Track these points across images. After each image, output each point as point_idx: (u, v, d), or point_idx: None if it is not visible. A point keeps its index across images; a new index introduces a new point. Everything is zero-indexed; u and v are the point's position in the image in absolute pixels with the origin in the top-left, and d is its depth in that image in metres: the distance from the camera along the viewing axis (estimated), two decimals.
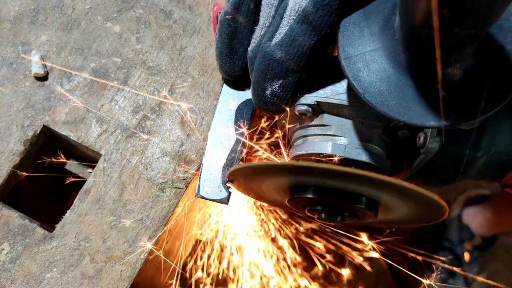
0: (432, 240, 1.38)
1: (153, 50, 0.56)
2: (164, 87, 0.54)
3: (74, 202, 0.50)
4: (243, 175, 0.45)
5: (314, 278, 1.38)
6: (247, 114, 0.50)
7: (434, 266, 1.33)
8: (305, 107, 0.42)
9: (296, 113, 0.43)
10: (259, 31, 0.42)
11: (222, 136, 0.50)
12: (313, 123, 0.44)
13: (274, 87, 0.41)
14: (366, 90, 0.34)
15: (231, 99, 0.51)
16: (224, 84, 0.51)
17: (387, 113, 0.33)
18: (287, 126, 0.48)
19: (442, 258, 1.33)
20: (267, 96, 0.42)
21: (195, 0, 0.58)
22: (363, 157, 0.42)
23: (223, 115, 0.50)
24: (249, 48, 0.43)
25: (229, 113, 0.50)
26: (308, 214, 0.45)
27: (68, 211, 0.50)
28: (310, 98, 0.42)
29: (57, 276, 0.48)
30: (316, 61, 0.39)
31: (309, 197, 0.42)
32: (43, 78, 0.53)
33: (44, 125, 0.52)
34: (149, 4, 0.57)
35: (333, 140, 0.43)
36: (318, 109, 0.43)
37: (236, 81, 0.49)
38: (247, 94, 0.50)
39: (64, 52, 0.55)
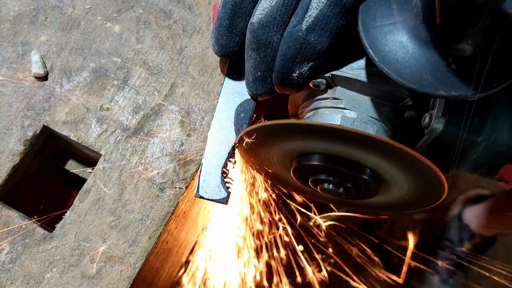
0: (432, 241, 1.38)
1: (153, 50, 0.56)
2: (164, 87, 0.54)
3: (74, 202, 0.50)
4: (254, 137, 0.45)
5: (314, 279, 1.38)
6: (247, 114, 0.50)
7: (434, 266, 1.33)
8: (320, 79, 0.44)
9: (311, 85, 0.45)
10: (267, 1, 0.41)
11: (222, 136, 0.50)
12: (325, 95, 0.46)
13: (303, 69, 0.42)
14: (381, 58, 0.36)
15: (231, 99, 0.51)
16: (224, 84, 0.51)
17: (400, 81, 0.35)
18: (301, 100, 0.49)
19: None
20: (293, 78, 0.43)
21: (195, 0, 0.58)
22: (370, 131, 0.44)
23: (223, 115, 0.50)
24: (254, 20, 0.42)
25: (229, 113, 0.50)
26: (312, 186, 0.46)
27: (68, 211, 0.50)
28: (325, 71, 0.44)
29: (57, 276, 0.48)
30: (341, 38, 0.41)
31: (315, 164, 0.44)
32: (43, 78, 0.53)
33: (44, 125, 0.52)
34: (149, 4, 0.57)
35: (343, 113, 0.44)
36: (332, 82, 0.45)
37: (229, 57, 0.48)
38: (247, 94, 0.50)
39: (64, 52, 0.55)
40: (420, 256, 1.37)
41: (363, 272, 1.40)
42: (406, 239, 1.43)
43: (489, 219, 1.26)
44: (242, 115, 0.50)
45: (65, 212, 0.50)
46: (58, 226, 0.49)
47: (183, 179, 0.52)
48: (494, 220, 1.26)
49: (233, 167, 0.50)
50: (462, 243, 1.30)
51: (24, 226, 0.49)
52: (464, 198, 1.38)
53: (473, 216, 1.30)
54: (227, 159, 0.49)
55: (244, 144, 0.47)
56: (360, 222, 1.45)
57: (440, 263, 1.32)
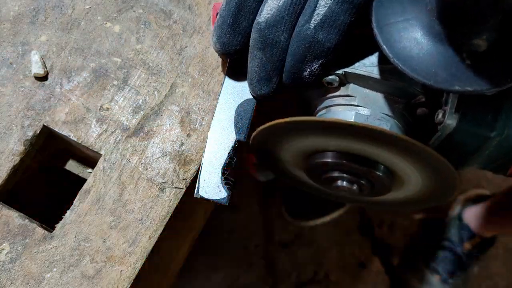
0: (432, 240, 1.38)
1: (153, 50, 0.56)
2: (164, 87, 0.54)
3: (74, 202, 0.50)
4: (267, 135, 0.46)
5: (314, 279, 1.38)
6: (247, 114, 0.50)
7: (434, 266, 1.33)
8: (333, 77, 0.44)
9: (324, 82, 0.45)
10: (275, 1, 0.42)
11: (222, 136, 0.50)
12: (337, 93, 0.46)
13: (313, 67, 0.42)
14: (396, 55, 0.36)
15: (231, 99, 0.51)
16: (224, 84, 0.51)
17: (415, 77, 0.35)
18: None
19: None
20: (305, 76, 0.43)
21: (195, 0, 0.58)
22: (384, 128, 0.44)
23: (223, 115, 0.50)
24: (261, 19, 0.42)
25: (229, 113, 0.50)
26: (325, 184, 0.46)
27: (68, 211, 0.50)
28: (338, 68, 0.44)
29: (57, 276, 0.48)
30: (351, 35, 0.41)
31: (329, 161, 0.44)
32: (43, 78, 0.53)
33: (44, 125, 0.52)
34: (149, 4, 0.57)
35: (356, 110, 0.44)
36: (345, 79, 0.45)
37: (230, 56, 0.48)
38: (247, 94, 0.50)
39: (64, 52, 0.55)
40: (420, 256, 1.37)
41: (363, 272, 1.40)
42: (406, 239, 1.43)
43: (489, 219, 1.26)
44: (242, 115, 0.50)
45: (66, 212, 0.50)
46: (58, 226, 0.49)
47: (183, 179, 0.52)
48: (494, 220, 1.26)
49: (233, 167, 0.50)
50: (462, 243, 1.30)
51: (24, 226, 0.49)
52: (464, 198, 1.38)
53: (473, 216, 1.30)
54: (227, 159, 0.49)
55: (256, 143, 0.47)
56: (360, 222, 1.45)
57: (439, 263, 1.32)
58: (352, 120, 0.44)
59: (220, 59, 0.56)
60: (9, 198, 0.52)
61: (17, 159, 0.51)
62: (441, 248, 1.33)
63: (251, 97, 0.50)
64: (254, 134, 0.46)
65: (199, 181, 0.48)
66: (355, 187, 0.45)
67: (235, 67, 0.51)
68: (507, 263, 1.38)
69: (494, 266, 1.38)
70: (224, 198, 0.48)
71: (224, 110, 0.50)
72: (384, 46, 0.37)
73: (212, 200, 0.48)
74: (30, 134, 0.52)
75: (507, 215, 1.19)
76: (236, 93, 0.51)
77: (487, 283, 1.37)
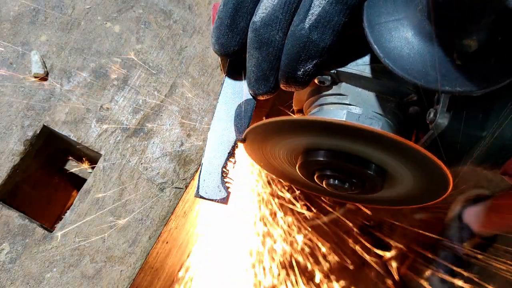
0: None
1: (153, 50, 0.56)
2: (164, 87, 0.54)
3: (74, 202, 0.50)
4: (260, 133, 0.45)
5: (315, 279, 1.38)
6: (247, 114, 0.50)
7: (434, 266, 1.33)
8: (325, 76, 0.44)
9: (316, 81, 0.45)
10: None
11: (222, 136, 0.50)
12: (330, 92, 0.46)
13: (307, 67, 0.42)
14: (387, 54, 0.36)
15: (231, 99, 0.51)
16: (224, 84, 0.51)
17: (405, 77, 0.35)
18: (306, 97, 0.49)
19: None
20: (298, 76, 0.43)
21: (195, 0, 0.58)
22: (375, 127, 0.44)
23: (223, 115, 0.50)
24: (256, 19, 0.42)
25: (229, 113, 0.50)
26: (317, 181, 0.46)
27: (68, 211, 0.50)
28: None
29: (57, 276, 0.48)
30: (344, 35, 0.41)
31: (320, 160, 0.44)
32: (43, 78, 0.53)
33: (44, 125, 0.52)
34: (149, 4, 0.57)
35: (348, 109, 0.44)
36: (337, 78, 0.45)
37: (229, 57, 0.48)
38: (247, 94, 0.50)
39: (64, 52, 0.55)
40: (420, 256, 1.37)
41: (363, 272, 1.40)
42: (406, 240, 1.43)
43: (489, 219, 1.26)
44: (242, 115, 0.50)
45: (66, 212, 0.50)
46: (58, 226, 0.49)
47: (183, 179, 0.52)
48: (494, 220, 1.26)
49: (233, 167, 0.50)
50: (462, 243, 1.30)
51: (24, 226, 0.49)
52: (464, 198, 1.37)
53: (473, 216, 1.30)
54: (227, 159, 0.49)
55: (249, 141, 0.47)
56: (360, 222, 1.45)
57: (440, 263, 1.32)
58: (344, 119, 0.44)
59: (219, 59, 0.56)
60: (9, 198, 0.52)
61: (17, 159, 0.51)
62: (441, 248, 1.33)
63: (251, 97, 0.50)
64: (246, 132, 0.46)
65: (199, 181, 0.48)
66: (346, 185, 0.45)
67: (235, 67, 0.51)
68: (507, 263, 1.38)
69: (494, 266, 1.38)
70: (224, 198, 0.48)
71: (224, 110, 0.50)
72: (375, 46, 0.37)
73: (212, 200, 0.48)
74: (30, 134, 0.52)
75: (507, 215, 1.19)
76: (236, 93, 0.51)
77: (487, 283, 1.37)
